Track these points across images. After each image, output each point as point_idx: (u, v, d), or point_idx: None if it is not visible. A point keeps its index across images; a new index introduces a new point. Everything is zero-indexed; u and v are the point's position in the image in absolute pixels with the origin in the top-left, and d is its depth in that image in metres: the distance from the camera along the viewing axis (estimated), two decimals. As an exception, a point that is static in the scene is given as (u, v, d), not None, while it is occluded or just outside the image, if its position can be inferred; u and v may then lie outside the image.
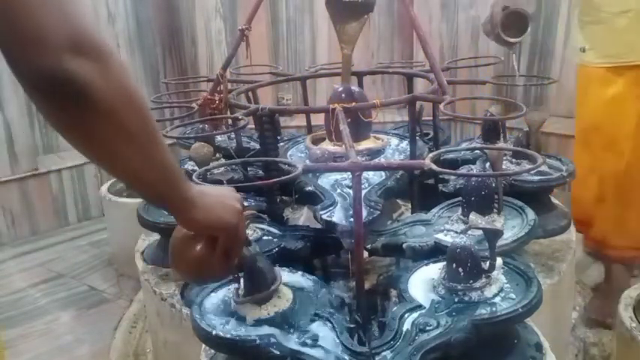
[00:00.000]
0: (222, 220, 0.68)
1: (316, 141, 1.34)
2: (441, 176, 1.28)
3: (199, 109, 1.31)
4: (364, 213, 0.94)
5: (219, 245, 0.71)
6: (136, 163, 0.59)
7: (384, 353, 0.73)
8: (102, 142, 0.55)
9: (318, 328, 0.78)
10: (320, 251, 1.13)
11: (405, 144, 1.35)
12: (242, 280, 0.83)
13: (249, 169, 1.36)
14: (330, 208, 1.04)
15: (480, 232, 0.89)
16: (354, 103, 1.16)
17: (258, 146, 1.33)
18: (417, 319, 0.77)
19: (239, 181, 1.28)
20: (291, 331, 0.77)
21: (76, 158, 2.62)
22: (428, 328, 0.75)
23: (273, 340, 0.74)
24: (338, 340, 0.75)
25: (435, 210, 1.12)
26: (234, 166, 1.38)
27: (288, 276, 0.90)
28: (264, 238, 1.09)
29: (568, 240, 1.26)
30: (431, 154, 0.90)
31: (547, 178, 1.20)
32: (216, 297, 0.86)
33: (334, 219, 1.01)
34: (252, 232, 1.09)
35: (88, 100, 0.51)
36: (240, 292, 0.83)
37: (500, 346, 0.80)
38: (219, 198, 0.70)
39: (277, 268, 0.85)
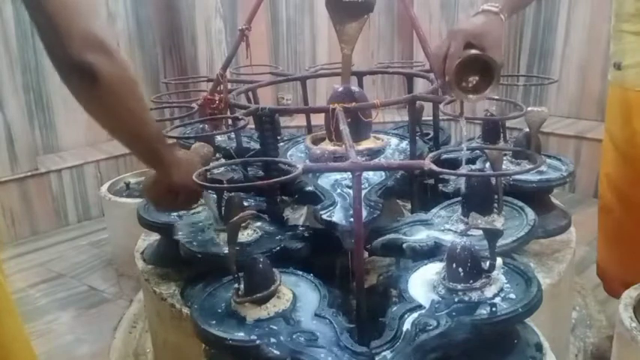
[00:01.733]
0: (187, 184, 0.96)
1: (316, 141, 1.34)
2: (441, 176, 1.28)
3: (199, 109, 1.31)
4: (364, 213, 0.94)
5: (180, 195, 0.99)
6: (132, 126, 0.86)
7: (384, 353, 0.73)
8: (108, 109, 0.82)
9: (318, 328, 0.78)
10: (320, 251, 1.12)
11: (405, 144, 1.35)
12: (242, 280, 0.83)
13: (249, 169, 1.36)
14: (330, 208, 1.04)
15: (480, 232, 0.89)
16: (354, 103, 1.16)
17: (258, 146, 1.33)
18: (417, 319, 0.77)
19: (239, 181, 1.28)
20: (291, 331, 0.76)
21: (75, 158, 2.62)
22: (428, 328, 0.75)
23: (273, 340, 0.74)
24: (338, 340, 0.75)
25: (435, 210, 1.12)
26: (234, 166, 1.38)
27: (288, 276, 0.90)
28: (264, 238, 1.09)
29: (568, 240, 1.26)
30: (431, 154, 0.90)
31: (547, 178, 1.20)
32: (216, 297, 0.86)
33: (334, 219, 1.01)
34: (252, 232, 1.09)
35: (99, 80, 0.76)
36: (240, 292, 0.83)
37: (500, 346, 0.80)
38: (190, 167, 0.98)
39: (275, 270, 0.85)
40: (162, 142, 0.93)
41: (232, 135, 1.44)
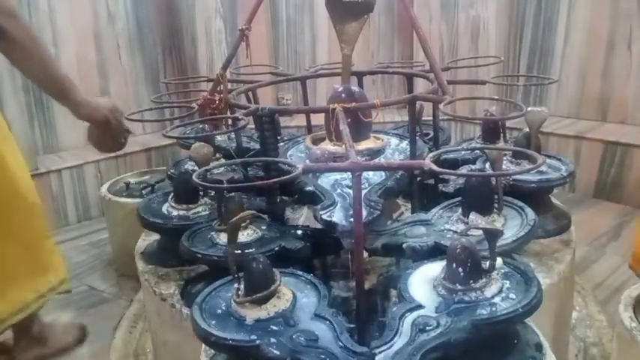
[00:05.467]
0: (94, 117, 1.29)
1: (316, 141, 1.34)
2: (441, 176, 1.28)
3: (199, 109, 1.31)
4: (364, 213, 0.94)
5: (105, 131, 1.34)
6: (39, 71, 1.20)
7: (384, 353, 0.73)
8: (18, 58, 1.17)
9: (318, 328, 0.78)
10: (320, 251, 1.13)
11: (405, 144, 1.35)
12: (242, 280, 0.83)
13: (249, 169, 1.36)
14: (330, 208, 1.04)
15: (480, 232, 0.89)
16: (354, 103, 1.16)
17: (258, 146, 1.33)
18: (417, 319, 0.77)
19: (239, 181, 1.28)
20: (291, 331, 0.77)
21: (75, 158, 2.62)
22: (428, 328, 0.75)
23: (273, 340, 0.74)
24: (338, 340, 0.75)
25: (435, 210, 1.12)
26: (234, 166, 1.38)
27: (288, 276, 0.90)
28: (264, 238, 1.09)
29: (568, 240, 1.26)
30: (431, 154, 0.90)
31: (547, 178, 1.20)
32: (217, 297, 0.86)
33: (334, 219, 1.01)
34: (252, 232, 1.09)
35: (6, 36, 1.11)
36: (240, 292, 0.83)
37: (500, 346, 0.80)
38: (96, 103, 1.29)
39: (275, 270, 0.85)
40: (70, 84, 1.25)
41: (232, 135, 1.44)
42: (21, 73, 1.25)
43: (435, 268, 0.89)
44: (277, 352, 0.72)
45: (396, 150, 1.33)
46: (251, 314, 0.80)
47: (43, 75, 1.20)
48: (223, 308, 0.83)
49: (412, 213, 1.24)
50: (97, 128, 1.34)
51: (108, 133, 1.35)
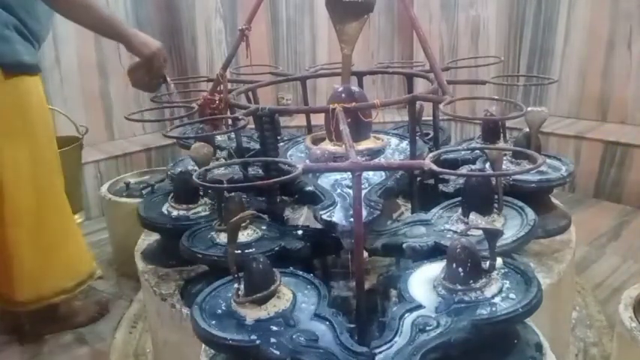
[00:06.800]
0: (143, 51, 1.40)
1: (316, 141, 1.34)
2: (441, 176, 1.28)
3: (199, 109, 1.31)
4: (364, 213, 0.94)
5: (146, 69, 1.44)
6: (88, 17, 1.35)
7: (384, 353, 0.73)
8: (65, 10, 1.34)
9: (318, 328, 0.78)
10: (320, 251, 1.13)
11: (405, 144, 1.35)
12: (242, 281, 0.84)
13: (249, 169, 1.36)
14: (330, 208, 1.04)
15: (480, 232, 0.89)
16: (354, 103, 1.16)
17: (258, 146, 1.33)
18: (417, 319, 0.77)
19: (239, 181, 1.28)
20: (291, 331, 0.77)
21: (76, 158, 2.62)
22: (428, 328, 0.75)
23: (273, 340, 0.74)
24: (338, 340, 0.75)
25: (435, 210, 1.12)
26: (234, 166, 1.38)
27: (288, 276, 0.90)
28: (264, 238, 1.09)
29: (568, 240, 1.26)
30: (431, 154, 0.90)
31: (547, 178, 1.20)
32: (217, 297, 0.86)
33: (334, 219, 1.01)
34: (252, 232, 1.09)
35: None
36: (240, 292, 0.83)
37: (500, 346, 0.80)
38: (146, 39, 1.41)
39: (275, 271, 0.85)
40: (118, 21, 1.40)
41: (232, 135, 1.44)
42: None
43: (435, 268, 0.89)
44: (277, 352, 0.72)
45: (396, 150, 1.33)
46: (251, 314, 0.80)
47: (92, 20, 1.35)
48: (223, 308, 0.83)
49: (412, 213, 1.24)
50: (141, 64, 1.43)
51: (149, 72, 1.44)
